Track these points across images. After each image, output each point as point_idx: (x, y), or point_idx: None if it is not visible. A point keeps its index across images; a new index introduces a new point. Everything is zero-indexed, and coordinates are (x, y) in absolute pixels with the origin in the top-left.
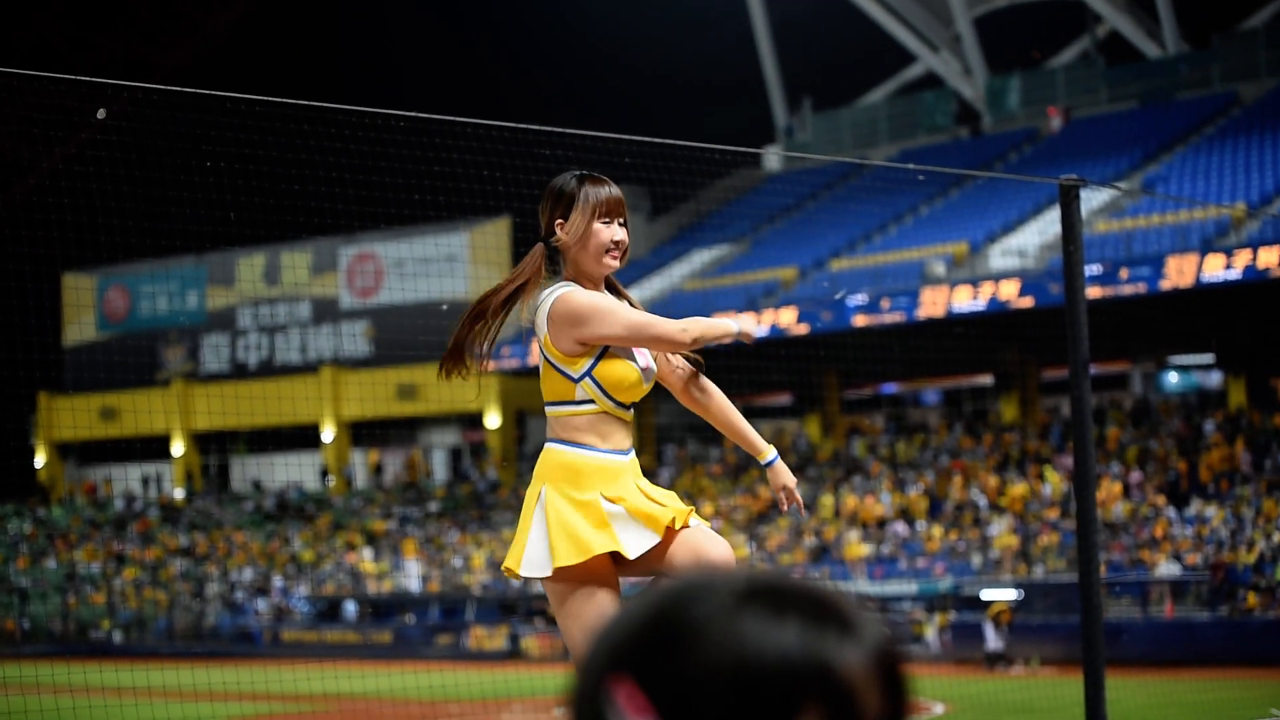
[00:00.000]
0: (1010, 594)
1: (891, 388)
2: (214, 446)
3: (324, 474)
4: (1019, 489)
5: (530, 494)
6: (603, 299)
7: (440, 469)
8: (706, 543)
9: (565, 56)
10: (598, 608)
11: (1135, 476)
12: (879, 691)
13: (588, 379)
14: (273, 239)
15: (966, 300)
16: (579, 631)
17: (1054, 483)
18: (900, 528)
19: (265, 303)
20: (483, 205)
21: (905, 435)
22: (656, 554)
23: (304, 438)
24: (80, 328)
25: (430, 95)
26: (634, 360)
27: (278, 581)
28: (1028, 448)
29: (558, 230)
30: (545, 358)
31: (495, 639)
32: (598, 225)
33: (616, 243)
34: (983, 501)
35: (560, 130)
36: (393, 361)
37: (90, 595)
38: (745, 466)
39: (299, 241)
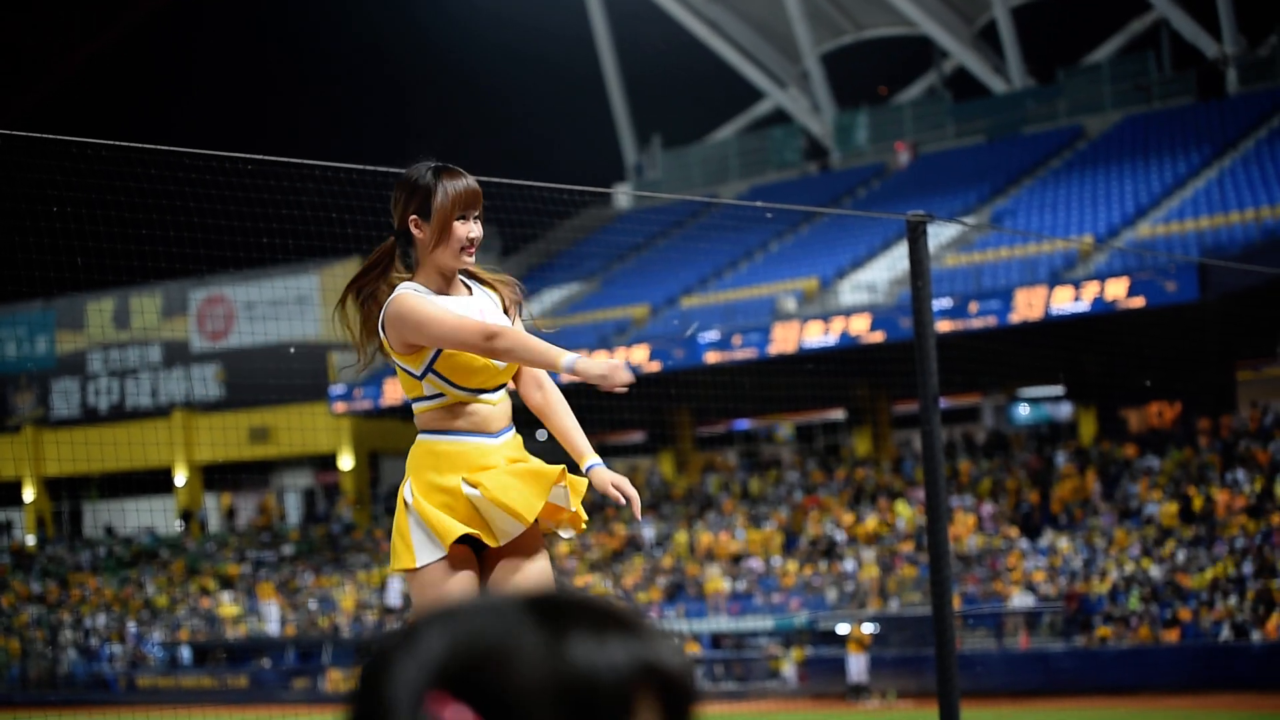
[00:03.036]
0: (868, 627)
1: (745, 424)
2: (65, 492)
3: (185, 518)
4: (873, 523)
5: (401, 490)
6: (428, 304)
7: (294, 511)
8: (520, 576)
9: (414, 95)
10: (452, 596)
11: (988, 509)
12: (683, 686)
13: (430, 374)
14: (122, 283)
15: (818, 335)
16: None
17: (907, 516)
18: (756, 563)
19: (115, 347)
20: (332, 247)
21: (759, 471)
22: (491, 566)
23: (156, 482)
24: None
25: (279, 137)
26: None
27: (132, 627)
28: (881, 481)
29: (412, 228)
30: (391, 358)
31: (352, 681)
32: (455, 223)
33: (472, 239)
34: (839, 536)
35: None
36: (244, 404)
37: None
38: (601, 504)
39: (149, 285)
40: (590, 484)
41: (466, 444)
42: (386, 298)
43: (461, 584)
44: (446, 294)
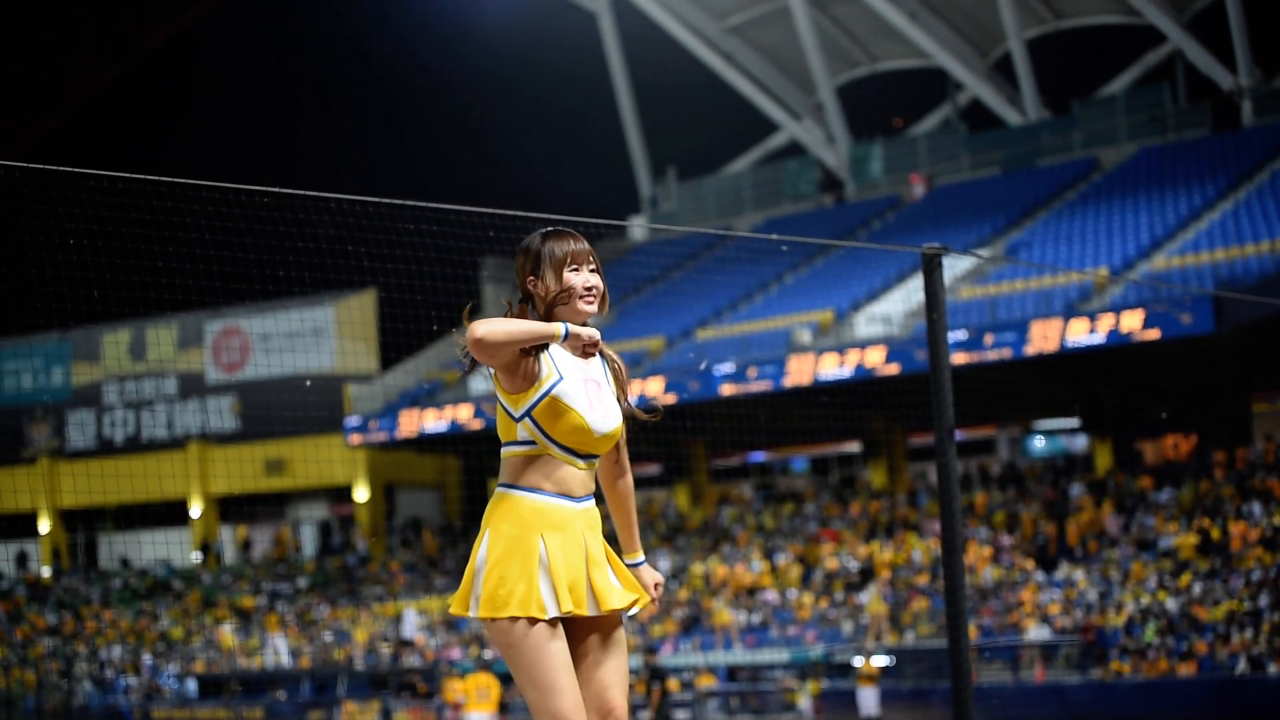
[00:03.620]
0: (882, 660)
1: (760, 456)
2: (81, 524)
3: (204, 549)
4: (888, 555)
5: (479, 538)
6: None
7: (309, 543)
8: (610, 692)
9: (430, 129)
10: (542, 657)
11: (1004, 541)
12: None
13: (528, 419)
14: (138, 314)
15: (833, 368)
16: (523, 686)
17: (923, 549)
18: (771, 596)
19: (131, 378)
20: (348, 279)
21: (774, 503)
22: (575, 641)
23: (172, 514)
24: None
25: (295, 170)
26: (580, 408)
27: (147, 659)
28: (896, 514)
29: (531, 288)
30: (495, 396)
31: (367, 714)
32: (566, 274)
33: (589, 288)
34: (854, 567)
35: (425, 204)
36: (260, 436)
37: None
38: (612, 537)
39: (164, 317)
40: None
41: (548, 503)
42: None
43: (563, 653)
44: (570, 348)
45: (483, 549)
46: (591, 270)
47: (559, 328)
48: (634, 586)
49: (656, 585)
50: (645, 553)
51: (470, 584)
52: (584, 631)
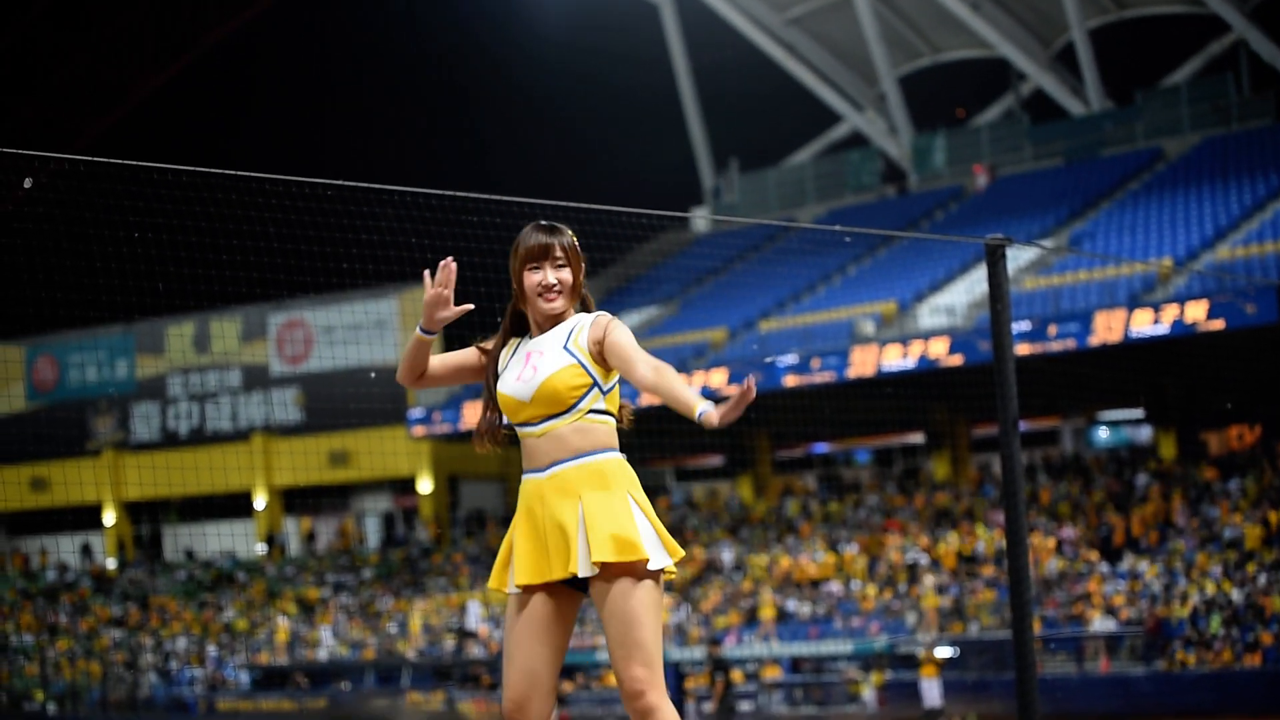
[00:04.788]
0: (946, 651)
1: (823, 447)
2: (145, 516)
3: (269, 541)
4: (952, 546)
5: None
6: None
7: (373, 535)
8: (617, 665)
9: (492, 121)
10: (510, 621)
11: (1068, 532)
12: None
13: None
14: (202, 307)
15: (896, 359)
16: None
17: (987, 540)
18: (835, 587)
19: (195, 370)
20: (411, 271)
21: (837, 495)
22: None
23: (236, 506)
24: (9, 398)
25: (358, 162)
26: (505, 388)
27: (212, 651)
28: (960, 505)
29: (514, 282)
30: None
31: (432, 704)
32: (526, 272)
33: (546, 286)
34: (924, 559)
35: (487, 196)
36: (324, 428)
37: (23, 666)
38: (679, 528)
39: (228, 309)
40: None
41: (524, 481)
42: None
43: (530, 614)
44: (534, 338)
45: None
46: (558, 265)
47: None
48: (606, 547)
49: (728, 407)
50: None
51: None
52: (593, 599)
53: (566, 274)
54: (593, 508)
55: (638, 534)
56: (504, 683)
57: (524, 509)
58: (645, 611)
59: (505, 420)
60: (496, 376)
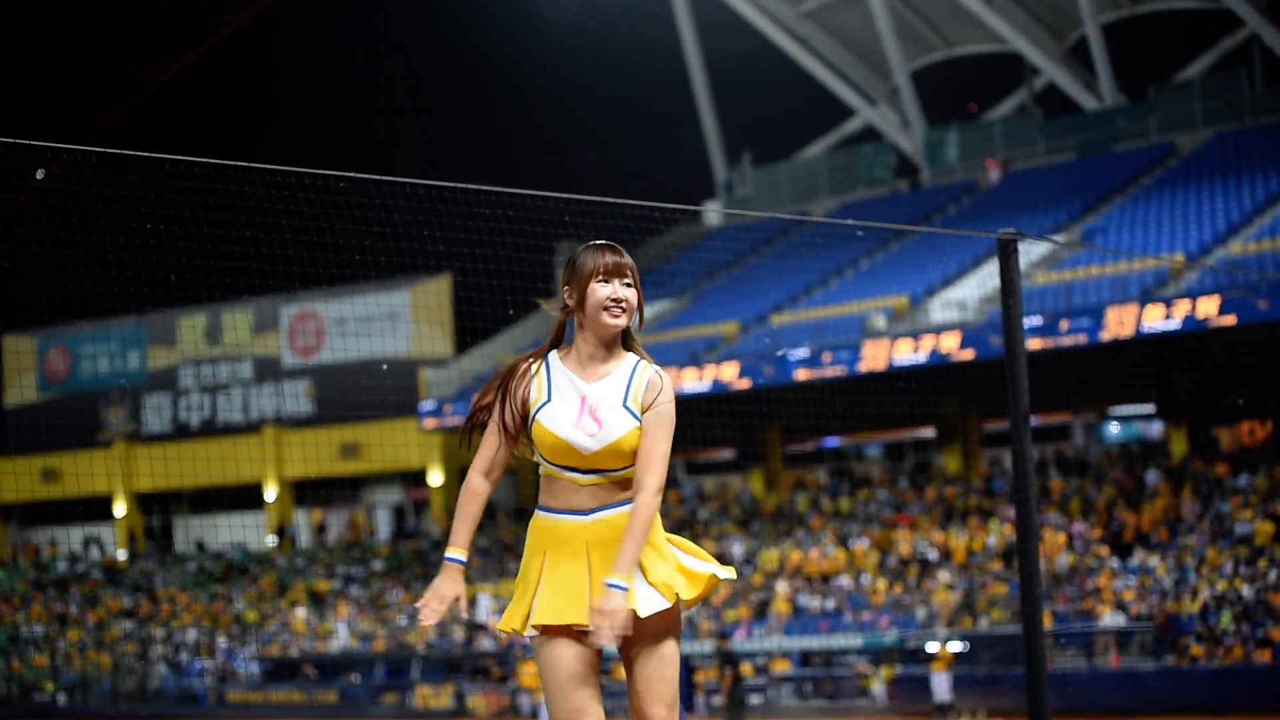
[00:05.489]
0: (956, 645)
1: (834, 441)
2: (156, 507)
3: (279, 532)
4: (963, 541)
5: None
6: (491, 390)
7: (383, 527)
8: (643, 701)
9: (505, 115)
10: (551, 670)
11: (1079, 527)
12: None
13: (528, 442)
14: (214, 298)
15: (908, 353)
16: (545, 694)
17: (997, 534)
18: (845, 581)
19: (207, 362)
20: (424, 263)
21: (848, 489)
22: (625, 650)
23: (247, 498)
24: (21, 389)
25: (370, 154)
26: (559, 429)
27: (222, 642)
28: (971, 500)
29: (566, 298)
30: None
31: (441, 698)
32: (594, 284)
33: (615, 300)
34: (929, 555)
35: (500, 189)
36: (335, 420)
37: (34, 657)
38: (689, 521)
39: (240, 300)
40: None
41: (552, 520)
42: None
43: (565, 660)
44: (595, 361)
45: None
46: (625, 284)
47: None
48: (668, 591)
49: (611, 621)
50: (718, 539)
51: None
52: (626, 643)
53: (633, 294)
54: (647, 550)
55: (690, 569)
56: (558, 713)
57: (559, 548)
58: (677, 650)
59: (533, 453)
60: (524, 402)
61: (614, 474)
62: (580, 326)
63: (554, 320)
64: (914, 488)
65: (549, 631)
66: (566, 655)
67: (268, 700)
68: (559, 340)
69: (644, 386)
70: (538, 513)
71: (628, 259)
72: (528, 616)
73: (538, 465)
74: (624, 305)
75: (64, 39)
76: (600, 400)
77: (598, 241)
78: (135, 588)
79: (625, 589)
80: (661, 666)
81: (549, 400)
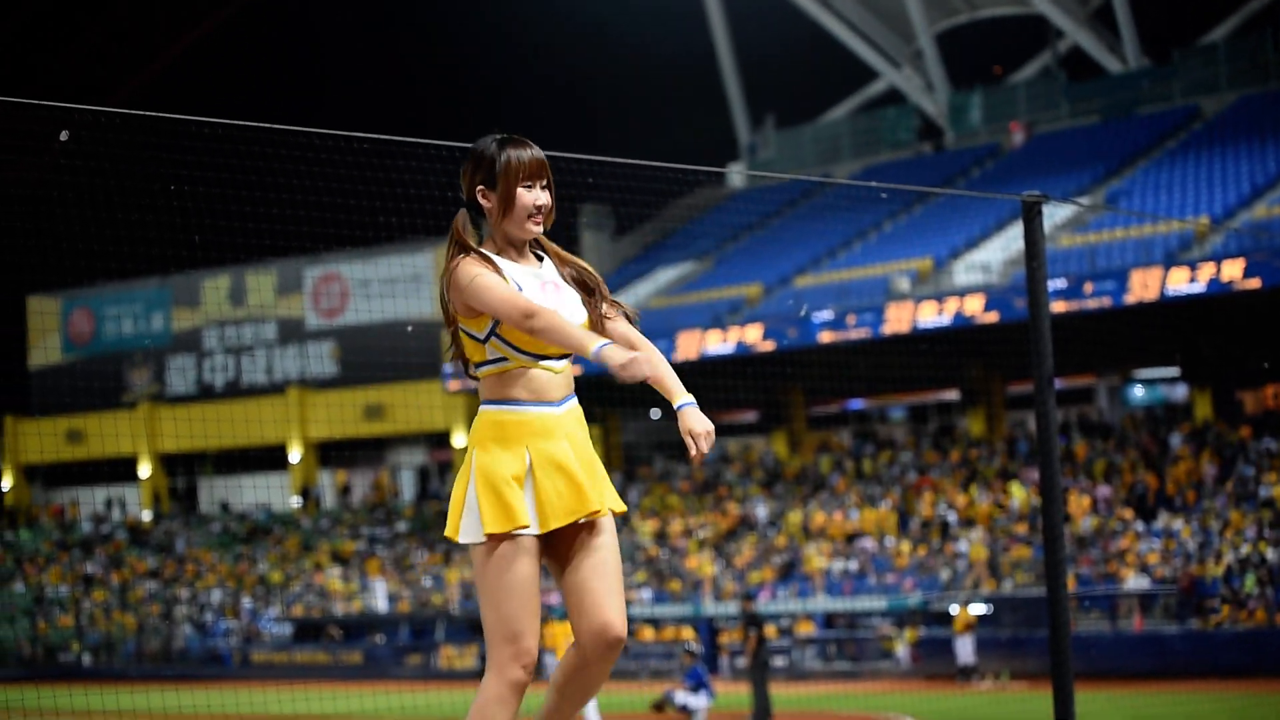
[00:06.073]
0: (978, 609)
1: (858, 404)
2: (181, 468)
3: (304, 494)
4: (986, 504)
5: (465, 460)
6: (484, 272)
7: (408, 488)
8: (604, 607)
9: (529, 77)
10: (510, 580)
11: (1103, 490)
12: None
13: (494, 338)
14: (238, 260)
15: (931, 316)
16: (486, 605)
17: (1021, 497)
18: (869, 543)
19: (231, 324)
20: (447, 225)
21: (872, 451)
22: (561, 552)
23: (271, 459)
24: (45, 350)
25: (395, 116)
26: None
27: (246, 603)
28: (994, 462)
29: (480, 198)
30: (458, 325)
31: (465, 658)
32: (519, 190)
33: (539, 207)
34: (951, 517)
35: None
36: (359, 382)
37: (59, 618)
38: (713, 484)
39: (264, 262)
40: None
41: (529, 414)
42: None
43: (522, 568)
44: (520, 256)
45: (471, 471)
46: (544, 186)
47: (590, 347)
48: (615, 498)
49: (707, 434)
50: (742, 501)
51: (458, 505)
52: (570, 543)
53: (549, 197)
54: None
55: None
56: (516, 634)
57: (539, 441)
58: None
59: (500, 338)
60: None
61: (568, 358)
62: (495, 227)
63: (458, 222)
64: (938, 450)
65: (519, 538)
66: (531, 569)
67: (292, 661)
68: (464, 243)
69: (558, 262)
70: (503, 407)
71: (543, 155)
72: (516, 516)
73: (483, 364)
74: (544, 210)
75: (90, 4)
76: (554, 281)
77: (508, 135)
78: (160, 548)
79: (695, 401)
80: (613, 569)
81: (521, 289)
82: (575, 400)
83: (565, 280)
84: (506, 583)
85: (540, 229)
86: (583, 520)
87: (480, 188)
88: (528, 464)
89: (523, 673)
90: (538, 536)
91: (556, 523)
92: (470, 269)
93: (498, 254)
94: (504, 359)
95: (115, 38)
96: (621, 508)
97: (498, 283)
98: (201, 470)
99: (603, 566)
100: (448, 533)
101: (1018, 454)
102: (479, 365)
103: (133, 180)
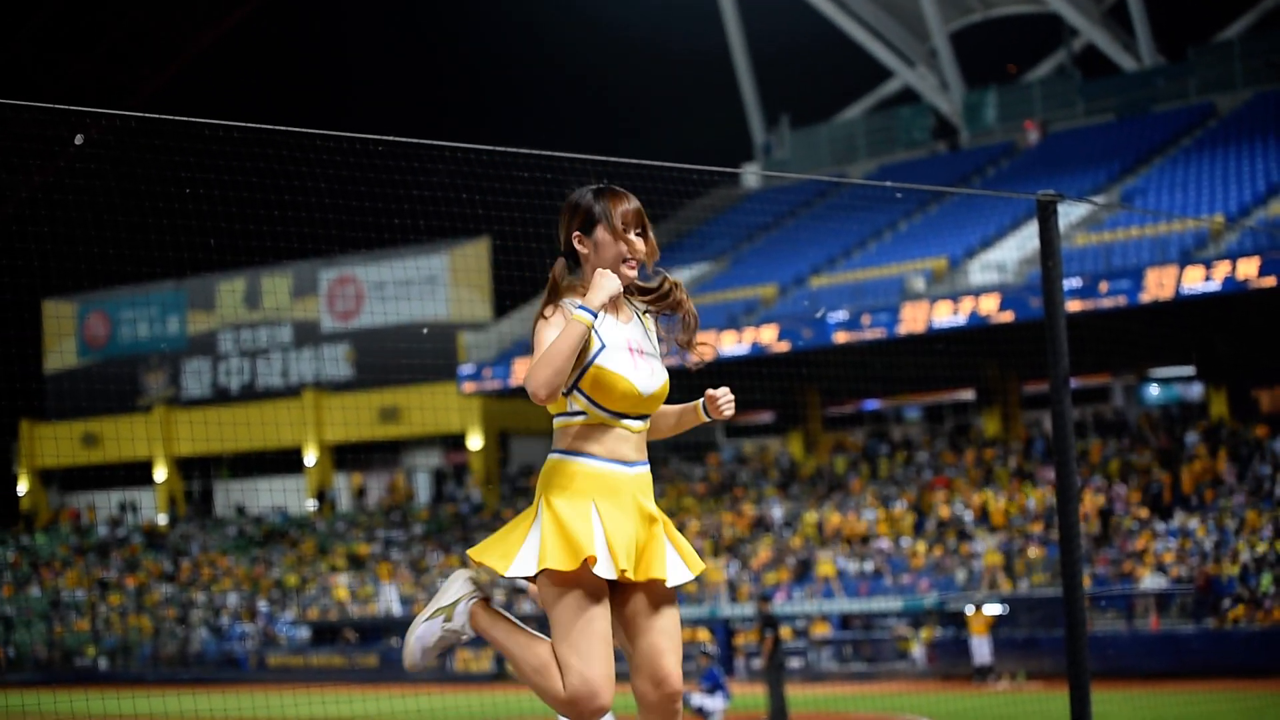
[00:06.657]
0: (993, 609)
1: (873, 404)
2: (196, 471)
3: (319, 496)
4: (1002, 504)
5: (532, 505)
6: (544, 327)
7: (423, 491)
8: (663, 658)
9: (543, 78)
10: (584, 619)
11: (1118, 489)
12: None
13: (575, 390)
14: (253, 263)
15: (947, 315)
16: (558, 641)
17: (1037, 497)
18: (885, 544)
19: (246, 327)
20: (462, 227)
21: (887, 451)
22: (620, 602)
23: (287, 462)
24: (61, 354)
25: (409, 118)
26: (626, 373)
27: (262, 606)
28: (1010, 462)
29: (576, 244)
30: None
31: (481, 661)
32: (613, 238)
33: (633, 253)
34: (967, 517)
35: (538, 152)
36: (374, 384)
37: (75, 622)
38: (728, 485)
39: (279, 265)
40: (709, 412)
41: (598, 468)
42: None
43: (604, 620)
44: (611, 305)
45: (539, 510)
46: (638, 234)
47: (586, 318)
48: (693, 562)
49: (724, 394)
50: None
51: (518, 540)
52: (633, 597)
53: (645, 244)
54: (665, 519)
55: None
56: (586, 672)
57: (609, 498)
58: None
59: (581, 392)
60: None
61: (648, 421)
62: (585, 276)
63: (556, 270)
64: (953, 450)
65: (594, 580)
66: (605, 613)
67: (308, 664)
68: (557, 288)
69: (654, 328)
70: (579, 459)
71: (639, 204)
72: (590, 552)
73: (562, 414)
74: (639, 256)
75: (107, 6)
76: (640, 344)
77: (604, 186)
78: (176, 552)
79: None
80: (673, 623)
81: (604, 347)
82: (648, 467)
83: (650, 338)
84: (587, 622)
85: (635, 274)
86: (644, 580)
87: (577, 234)
88: (594, 515)
89: (602, 701)
90: (608, 583)
91: (624, 563)
92: (543, 320)
93: (599, 307)
94: (583, 413)
95: (133, 42)
96: (700, 567)
97: (546, 339)
98: (217, 473)
99: (670, 629)
100: (489, 562)
101: (1034, 454)
102: (558, 415)
103: (148, 183)
